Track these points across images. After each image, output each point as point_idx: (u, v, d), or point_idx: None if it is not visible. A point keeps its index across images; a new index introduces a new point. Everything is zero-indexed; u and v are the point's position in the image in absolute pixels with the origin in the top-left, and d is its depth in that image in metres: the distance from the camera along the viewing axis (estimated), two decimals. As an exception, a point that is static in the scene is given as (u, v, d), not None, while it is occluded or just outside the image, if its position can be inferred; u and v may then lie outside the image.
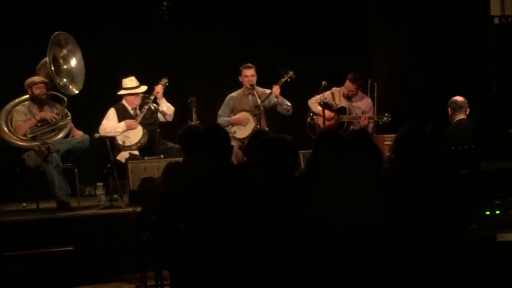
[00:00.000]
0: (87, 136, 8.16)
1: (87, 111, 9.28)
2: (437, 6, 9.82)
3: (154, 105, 8.62)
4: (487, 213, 4.33)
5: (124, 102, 8.72)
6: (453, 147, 5.64)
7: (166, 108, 8.71)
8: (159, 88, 8.65)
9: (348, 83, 9.26)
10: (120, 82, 8.75)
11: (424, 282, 3.77)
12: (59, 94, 8.19)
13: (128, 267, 7.08)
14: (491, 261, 4.10)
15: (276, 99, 8.96)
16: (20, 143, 7.96)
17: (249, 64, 9.03)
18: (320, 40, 10.53)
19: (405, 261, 3.74)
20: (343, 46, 10.47)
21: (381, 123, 8.99)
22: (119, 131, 8.46)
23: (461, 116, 7.88)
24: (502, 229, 4.22)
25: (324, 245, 3.65)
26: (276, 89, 8.91)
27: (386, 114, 8.92)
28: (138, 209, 6.67)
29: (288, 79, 9.01)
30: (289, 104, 9.04)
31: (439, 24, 9.81)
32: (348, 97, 9.29)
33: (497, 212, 4.34)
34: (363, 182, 3.72)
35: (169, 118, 8.78)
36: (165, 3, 9.05)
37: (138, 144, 8.47)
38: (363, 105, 9.30)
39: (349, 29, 10.57)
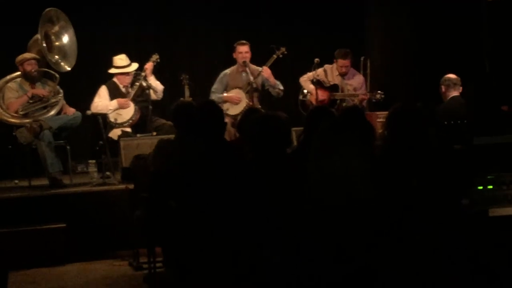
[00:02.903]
0: (79, 113, 8.13)
1: (79, 88, 9.28)
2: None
3: (146, 82, 8.57)
4: (480, 188, 4.33)
5: (115, 79, 8.68)
6: (445, 123, 5.65)
7: (155, 85, 8.67)
8: (148, 65, 8.62)
9: (340, 61, 9.19)
10: (111, 60, 8.70)
11: (417, 258, 3.78)
12: (51, 71, 8.17)
13: (121, 244, 7.09)
14: (483, 236, 4.11)
15: (268, 81, 8.92)
16: (12, 120, 7.94)
17: (243, 41, 8.99)
18: (313, 17, 10.51)
19: (397, 238, 3.75)
20: (336, 23, 10.45)
21: (374, 100, 8.97)
22: (111, 109, 8.43)
23: (455, 93, 7.88)
24: (495, 204, 4.23)
25: (317, 221, 3.66)
26: (266, 70, 8.88)
27: (379, 92, 8.89)
28: (131, 186, 6.68)
29: (280, 55, 8.99)
30: (282, 88, 9.00)
31: (432, 1, 9.79)
32: (342, 74, 9.25)
33: (490, 187, 4.34)
34: (356, 159, 3.71)
35: (159, 96, 8.73)
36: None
37: (130, 121, 8.44)
38: (355, 82, 9.27)
39: (342, 6, 10.53)
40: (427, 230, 3.83)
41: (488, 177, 4.35)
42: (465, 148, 4.77)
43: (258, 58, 9.07)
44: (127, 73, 8.61)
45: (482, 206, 4.20)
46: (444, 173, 4.05)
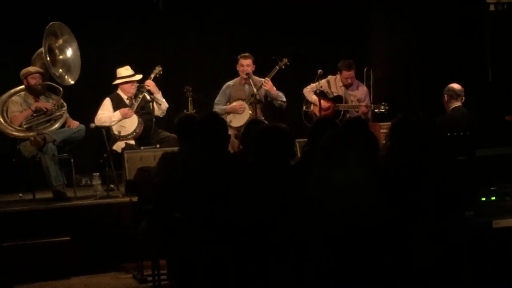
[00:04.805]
0: (83, 126, 8.15)
1: (83, 101, 9.29)
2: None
3: (149, 94, 8.57)
4: (483, 199, 4.33)
5: (119, 91, 8.71)
6: (448, 134, 5.65)
7: (162, 102, 8.67)
8: (150, 83, 8.61)
9: (345, 73, 9.19)
10: (115, 73, 8.73)
11: (421, 269, 3.78)
12: (55, 84, 8.18)
13: (125, 257, 7.08)
14: (487, 247, 4.10)
15: (270, 93, 8.92)
16: (16, 133, 7.95)
17: (246, 54, 9.00)
18: (316, 28, 10.52)
19: (401, 249, 3.75)
20: (339, 34, 10.46)
21: (378, 112, 8.97)
22: (114, 121, 8.45)
23: (457, 104, 7.88)
24: (498, 215, 4.22)
25: (319, 232, 3.66)
26: (267, 82, 8.87)
27: (383, 103, 8.88)
28: (135, 198, 6.68)
29: (283, 66, 8.99)
30: (284, 99, 9.00)
31: (435, 11, 9.81)
32: (347, 86, 9.25)
33: (493, 198, 4.33)
34: (359, 170, 3.71)
35: (162, 113, 8.73)
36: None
37: (134, 133, 8.45)
38: (359, 93, 9.29)
39: (345, 17, 10.55)
40: (430, 241, 3.83)
41: (491, 188, 4.34)
42: (468, 160, 4.77)
43: (261, 69, 9.08)
44: (132, 82, 8.63)
45: (486, 217, 4.19)
46: (447, 185, 4.06)
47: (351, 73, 9.21)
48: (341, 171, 3.67)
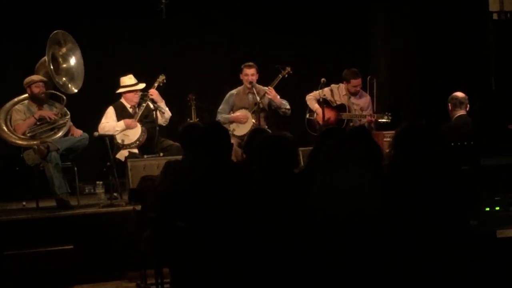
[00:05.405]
0: (86, 135, 8.16)
1: (87, 109, 9.30)
2: (437, 2, 9.82)
3: (153, 103, 8.58)
4: (487, 209, 4.31)
5: (122, 100, 8.72)
6: (452, 143, 5.65)
7: (165, 110, 8.68)
8: (153, 92, 8.62)
9: (353, 81, 9.14)
10: (118, 81, 8.74)
11: (424, 279, 3.77)
12: (58, 93, 8.19)
13: (129, 265, 7.08)
14: (491, 257, 4.09)
15: (274, 101, 8.93)
16: (20, 142, 7.96)
17: (250, 63, 9.01)
18: (319, 37, 10.53)
19: (404, 257, 3.74)
20: (342, 43, 10.46)
21: (381, 122, 8.95)
22: (118, 130, 8.46)
23: (461, 112, 7.87)
24: (502, 225, 4.21)
25: (323, 241, 3.66)
26: (270, 91, 8.89)
27: (387, 113, 8.86)
28: (138, 207, 6.68)
29: (286, 75, 9.01)
30: (288, 107, 9.02)
31: (438, 20, 9.82)
32: (353, 94, 9.24)
33: (497, 208, 4.32)
34: (362, 178, 3.71)
35: (165, 122, 8.73)
36: (164, 0, 9.04)
37: (137, 142, 8.46)
38: (362, 102, 9.27)
39: (348, 26, 10.56)
40: (434, 250, 3.83)
41: (496, 198, 4.33)
42: (473, 169, 4.76)
43: (264, 78, 9.09)
44: (135, 91, 8.65)
45: (490, 227, 4.18)
46: (451, 194, 4.05)
47: (359, 80, 9.19)
48: (344, 175, 3.68)
